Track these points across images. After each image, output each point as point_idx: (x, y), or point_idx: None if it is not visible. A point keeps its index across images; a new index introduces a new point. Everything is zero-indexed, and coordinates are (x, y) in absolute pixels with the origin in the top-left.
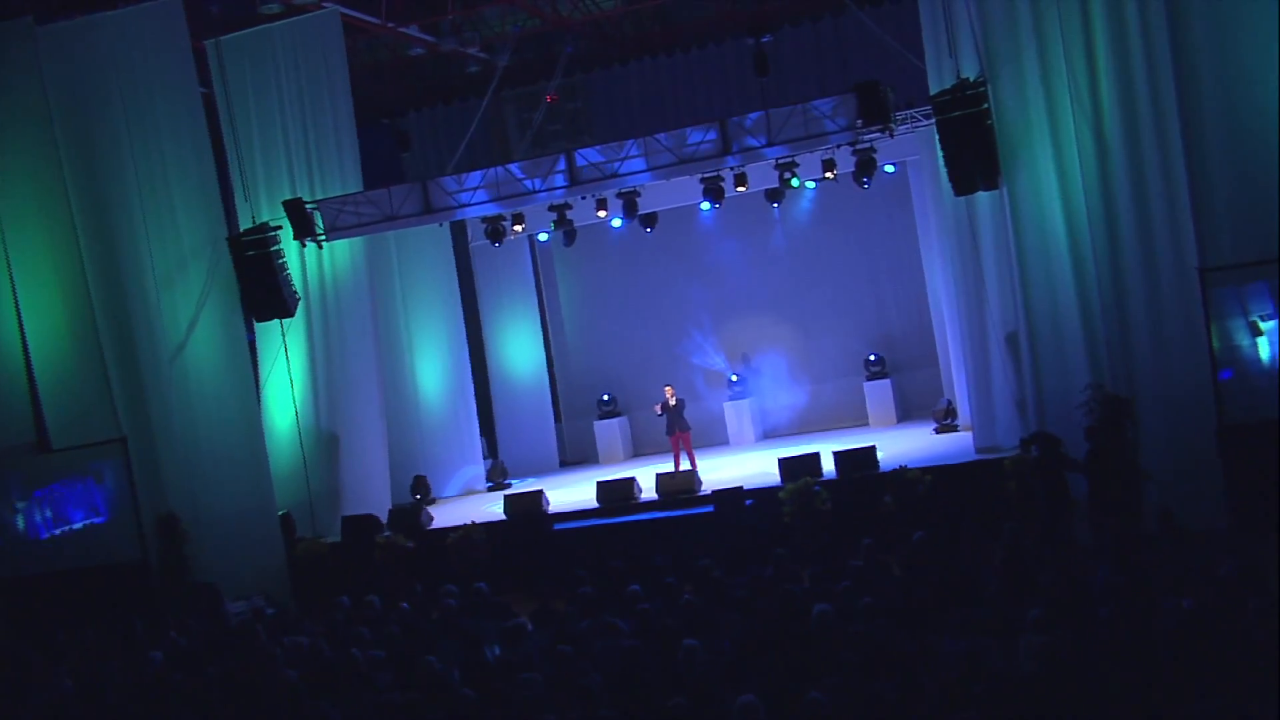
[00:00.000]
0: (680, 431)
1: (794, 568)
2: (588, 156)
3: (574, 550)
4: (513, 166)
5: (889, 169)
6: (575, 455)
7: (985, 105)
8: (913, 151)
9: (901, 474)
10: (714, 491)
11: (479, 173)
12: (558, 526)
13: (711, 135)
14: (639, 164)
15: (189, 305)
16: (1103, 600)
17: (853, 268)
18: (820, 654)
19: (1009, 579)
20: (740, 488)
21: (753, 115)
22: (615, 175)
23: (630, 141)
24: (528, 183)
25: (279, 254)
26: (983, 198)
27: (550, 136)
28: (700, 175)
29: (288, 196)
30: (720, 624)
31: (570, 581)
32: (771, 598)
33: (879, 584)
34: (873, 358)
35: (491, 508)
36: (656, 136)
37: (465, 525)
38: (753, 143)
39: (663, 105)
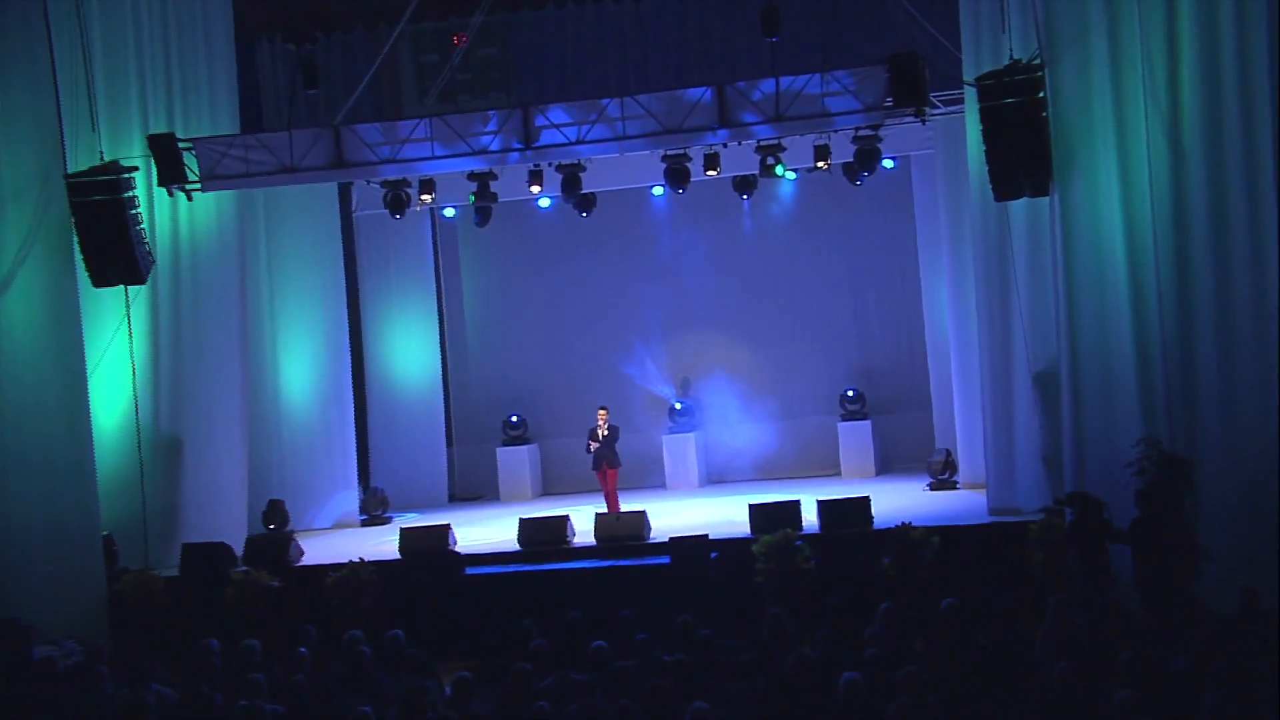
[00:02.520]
0: (608, 467)
1: (794, 631)
2: (550, 116)
3: (492, 600)
4: (451, 119)
5: (887, 164)
6: (469, 489)
7: (1042, 93)
8: (919, 145)
9: (904, 533)
10: (671, 539)
11: (411, 123)
12: (470, 570)
13: (707, 101)
14: (606, 130)
15: (3, 260)
16: (1190, 685)
17: (834, 281)
18: None
19: (1075, 657)
20: (705, 536)
21: (744, 82)
22: (615, 138)
23: (608, 101)
24: (471, 141)
25: (133, 202)
26: (1017, 206)
27: (458, 88)
28: (665, 150)
29: (136, 130)
30: (718, 689)
31: (510, 635)
32: (782, 664)
33: (907, 654)
34: (851, 393)
35: (379, 544)
36: (638, 98)
37: (350, 563)
38: (752, 117)
39: (604, 63)
